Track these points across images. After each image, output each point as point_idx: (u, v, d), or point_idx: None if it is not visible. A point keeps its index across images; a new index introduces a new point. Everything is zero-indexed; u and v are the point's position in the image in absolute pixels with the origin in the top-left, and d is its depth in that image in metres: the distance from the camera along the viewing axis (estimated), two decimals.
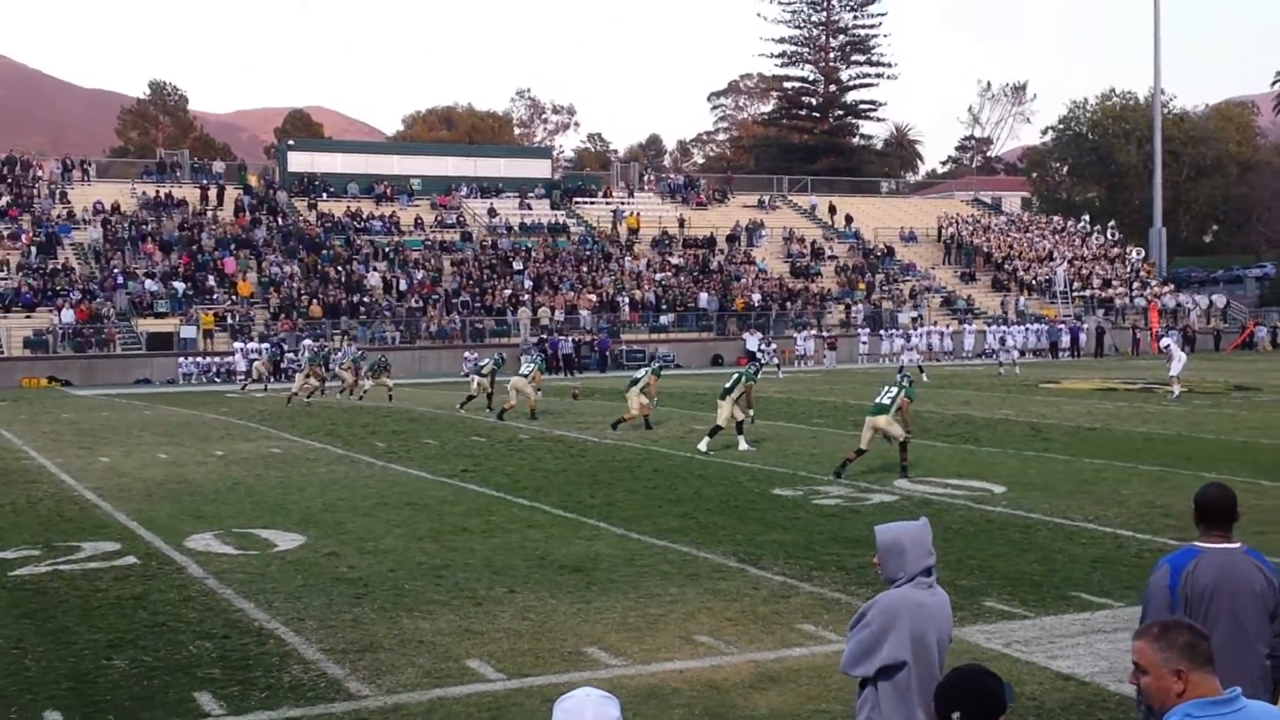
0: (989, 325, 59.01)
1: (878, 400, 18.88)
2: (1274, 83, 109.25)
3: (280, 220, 61.07)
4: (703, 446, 21.99)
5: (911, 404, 19.32)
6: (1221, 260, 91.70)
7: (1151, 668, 3.69)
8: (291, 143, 75.22)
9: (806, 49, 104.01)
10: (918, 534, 5.32)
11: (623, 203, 70.51)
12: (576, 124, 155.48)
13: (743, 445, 22.22)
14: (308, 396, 35.06)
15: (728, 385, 22.54)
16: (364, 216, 62.59)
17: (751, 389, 22.74)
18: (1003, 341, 52.50)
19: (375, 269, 57.09)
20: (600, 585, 11.62)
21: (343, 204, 64.16)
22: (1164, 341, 35.24)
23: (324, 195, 65.12)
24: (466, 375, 41.07)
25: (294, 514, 15.98)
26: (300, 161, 68.21)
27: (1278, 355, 56.79)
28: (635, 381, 26.31)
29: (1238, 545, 5.44)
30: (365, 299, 54.31)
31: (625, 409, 26.09)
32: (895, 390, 18.69)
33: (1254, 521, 14.31)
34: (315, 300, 53.47)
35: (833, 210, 74.28)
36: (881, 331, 57.44)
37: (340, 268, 56.53)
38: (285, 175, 66.94)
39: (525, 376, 29.53)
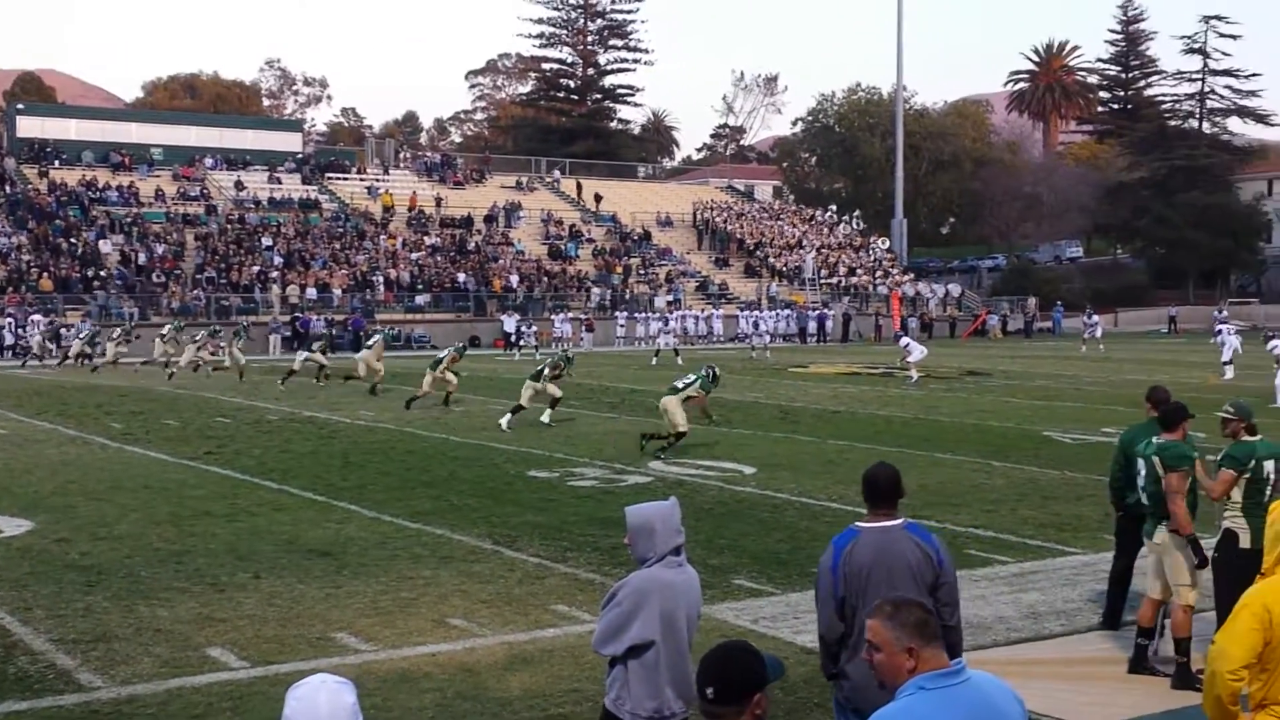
0: (741, 310, 60.44)
1: (672, 383, 20.13)
2: (1006, 83, 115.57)
3: (7, 189, 57.48)
4: (503, 423, 22.29)
5: (707, 396, 20.09)
6: (957, 251, 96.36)
7: (885, 645, 3.77)
8: (21, 106, 70.79)
9: (565, 31, 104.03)
10: (667, 514, 5.37)
11: (378, 180, 69.14)
12: (329, 97, 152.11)
13: (545, 418, 22.87)
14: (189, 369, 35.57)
15: (538, 369, 23.36)
16: (100, 186, 59.49)
17: (569, 371, 23.97)
18: (756, 326, 53.88)
19: (112, 241, 54.38)
20: (351, 569, 11.37)
21: (77, 172, 60.80)
22: (902, 341, 36.64)
23: (56, 163, 61.59)
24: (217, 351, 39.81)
25: (20, 498, 15.07)
26: (30, 127, 64.34)
27: (1008, 342, 60.07)
28: (438, 362, 26.43)
29: (898, 522, 5.65)
30: (101, 273, 51.69)
31: (419, 386, 26.22)
32: (694, 379, 19.72)
33: (984, 500, 15.09)
34: (45, 274, 50.56)
35: (580, 187, 74.79)
36: (638, 315, 58.12)
37: (73, 239, 53.61)
38: (13, 141, 63.06)
39: (369, 349, 30.65)
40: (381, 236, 60.95)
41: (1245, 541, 8.20)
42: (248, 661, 8.66)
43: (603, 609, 5.38)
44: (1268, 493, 8.24)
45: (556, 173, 78.10)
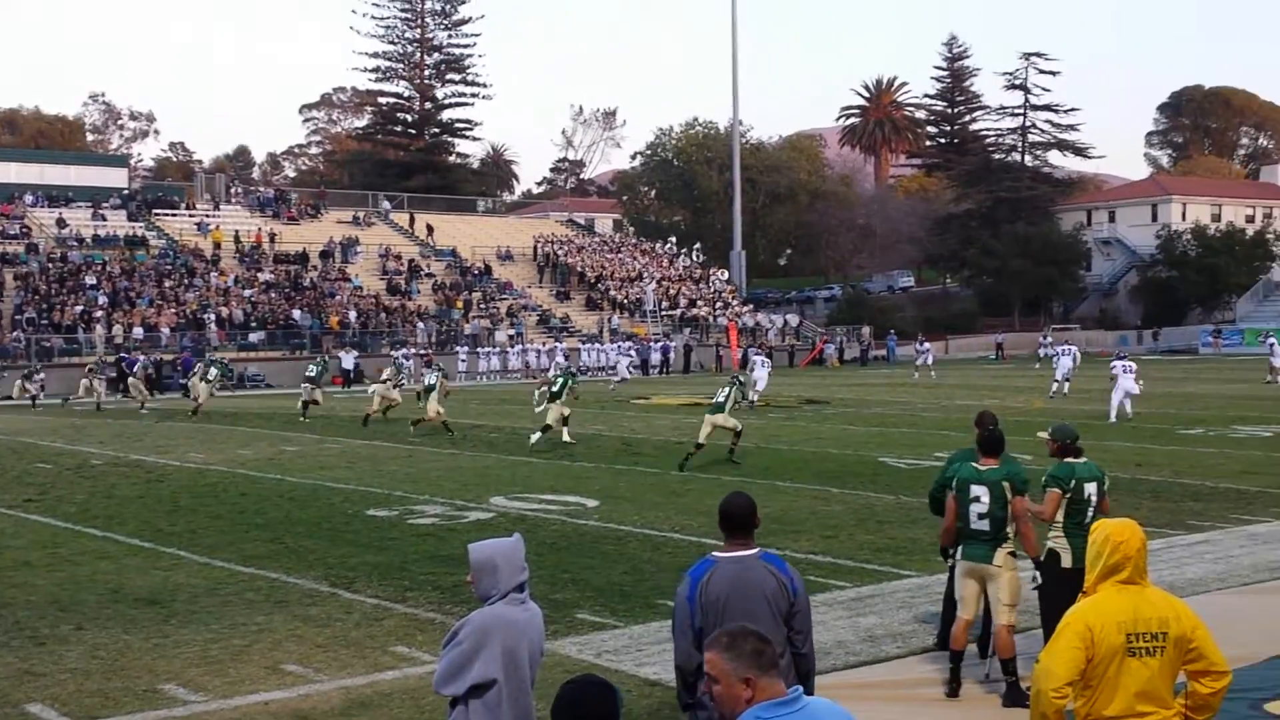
0: (583, 343, 60.53)
1: (715, 400, 21.76)
2: (839, 118, 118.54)
3: None
4: (533, 439, 24.13)
5: (744, 402, 22.83)
6: (794, 282, 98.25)
7: (722, 676, 3.77)
8: None
9: (401, 65, 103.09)
10: (510, 551, 5.30)
11: (208, 215, 67.50)
12: (157, 132, 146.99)
13: (545, 424, 24.50)
14: None
15: (554, 389, 24.94)
16: None
17: (577, 390, 26.08)
18: (631, 354, 54.61)
19: None
20: (180, 617, 10.99)
21: None
22: (755, 358, 38.09)
23: None
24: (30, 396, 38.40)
25: None
26: None
27: (844, 370, 61.26)
28: (431, 389, 27.98)
29: (754, 551, 5.68)
30: None
31: (423, 412, 27.97)
32: (729, 389, 21.77)
33: (823, 526, 15.31)
34: None
35: (412, 219, 74.34)
36: (480, 349, 57.75)
37: None
38: None
39: (384, 383, 31.85)
40: (212, 274, 59.46)
41: (1067, 561, 8.47)
42: (70, 717, 8.31)
43: (443, 649, 5.27)
44: (1089, 514, 8.52)
45: (386, 203, 77.32)
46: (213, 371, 36.03)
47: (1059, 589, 8.06)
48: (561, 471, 21.27)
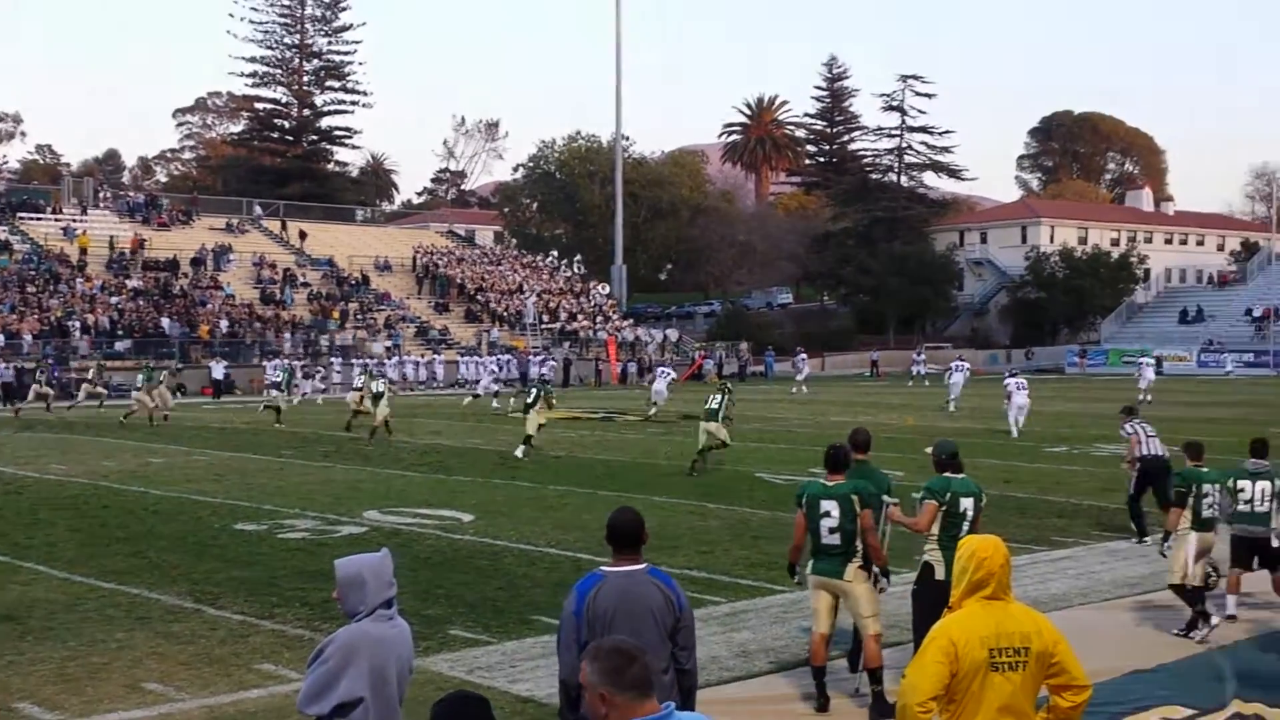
0: (461, 355, 60.09)
1: (707, 407, 22.51)
2: (720, 135, 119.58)
3: None
4: (519, 453, 24.54)
5: (734, 407, 23.47)
6: (675, 297, 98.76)
7: (588, 689, 3.78)
8: None
9: (279, 70, 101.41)
10: (378, 566, 5.22)
11: (74, 220, 65.58)
12: (23, 133, 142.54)
13: (527, 435, 24.91)
14: None
15: (529, 400, 25.51)
16: None
17: (551, 398, 26.58)
18: (534, 367, 54.71)
19: None
20: (36, 634, 10.63)
21: None
22: (658, 370, 40.00)
23: None
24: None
25: None
26: None
27: None
28: (380, 395, 28.85)
29: (642, 566, 5.70)
30: None
31: (374, 417, 28.86)
32: (720, 396, 22.55)
33: (699, 541, 15.35)
34: None
35: (285, 225, 73.33)
36: (353, 360, 56.92)
37: None
38: None
39: (359, 391, 32.22)
40: (78, 280, 57.79)
41: (940, 574, 8.60)
42: None
43: (309, 667, 5.16)
44: (964, 528, 8.68)
45: (258, 208, 75.98)
46: (140, 378, 35.56)
47: (932, 601, 8.17)
48: (437, 485, 21.05)
